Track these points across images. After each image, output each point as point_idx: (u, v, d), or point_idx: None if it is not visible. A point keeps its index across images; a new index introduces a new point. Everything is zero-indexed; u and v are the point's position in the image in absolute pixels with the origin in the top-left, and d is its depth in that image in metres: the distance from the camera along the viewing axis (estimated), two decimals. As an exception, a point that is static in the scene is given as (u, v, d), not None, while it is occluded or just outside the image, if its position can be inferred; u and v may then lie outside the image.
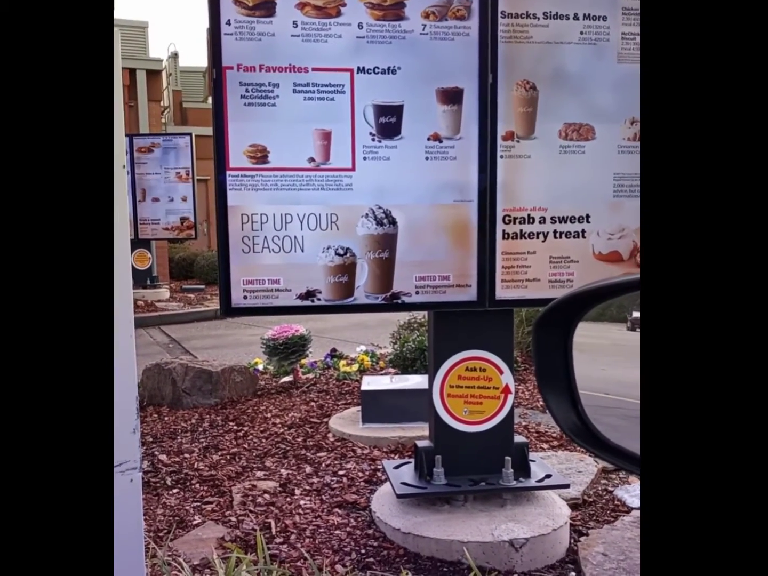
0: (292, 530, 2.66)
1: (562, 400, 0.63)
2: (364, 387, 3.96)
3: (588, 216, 2.50)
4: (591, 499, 2.91)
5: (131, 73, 12.42)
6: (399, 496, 2.60)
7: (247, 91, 2.31)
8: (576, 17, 2.40)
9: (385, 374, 4.91)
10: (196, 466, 3.42)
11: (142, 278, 10.75)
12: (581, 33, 2.41)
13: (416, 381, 3.99)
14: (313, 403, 4.47)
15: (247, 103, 2.31)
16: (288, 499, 2.97)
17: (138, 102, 12.56)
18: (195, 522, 2.78)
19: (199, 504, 2.97)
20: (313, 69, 2.32)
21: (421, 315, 5.27)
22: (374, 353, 5.61)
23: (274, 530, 2.66)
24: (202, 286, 11.98)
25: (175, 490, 3.13)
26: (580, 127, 2.44)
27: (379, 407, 3.82)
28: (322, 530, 2.65)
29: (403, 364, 4.80)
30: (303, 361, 5.24)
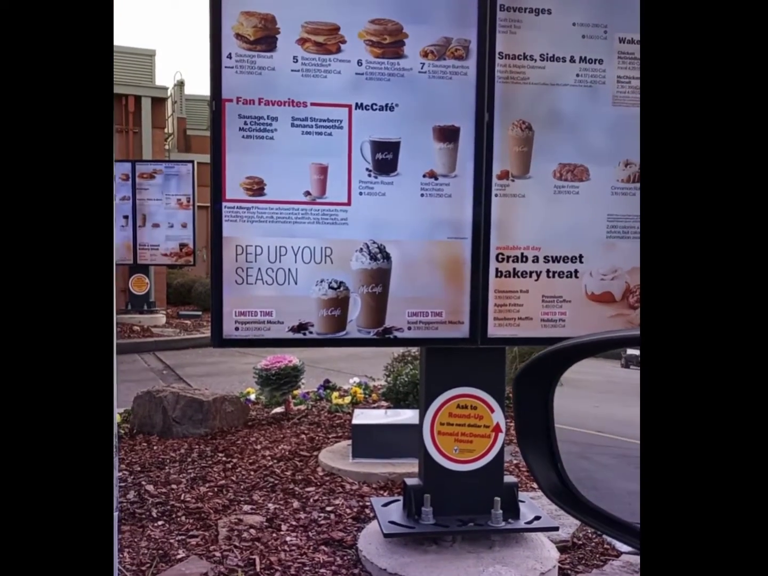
0: (277, 567, 2.60)
1: (542, 459, 0.62)
2: (356, 420, 3.92)
3: (581, 256, 2.50)
4: (580, 542, 2.86)
5: (137, 100, 12.53)
6: (386, 536, 2.56)
7: (245, 123, 2.32)
8: (572, 60, 2.42)
9: (378, 407, 4.87)
10: (182, 497, 3.37)
11: (139, 303, 10.72)
12: (577, 75, 2.43)
13: (408, 416, 3.95)
14: (303, 436, 4.43)
15: (245, 136, 2.32)
16: (274, 534, 2.92)
17: (142, 128, 12.65)
18: (179, 556, 2.72)
19: (183, 537, 2.92)
20: (312, 104, 2.34)
21: (415, 349, 5.24)
22: (367, 385, 5.57)
23: (258, 567, 2.61)
24: (199, 313, 11.92)
25: (160, 522, 3.08)
26: (575, 167, 2.45)
27: (370, 442, 3.78)
28: (307, 568, 2.60)
29: (396, 397, 4.76)
30: (295, 392, 5.20)
